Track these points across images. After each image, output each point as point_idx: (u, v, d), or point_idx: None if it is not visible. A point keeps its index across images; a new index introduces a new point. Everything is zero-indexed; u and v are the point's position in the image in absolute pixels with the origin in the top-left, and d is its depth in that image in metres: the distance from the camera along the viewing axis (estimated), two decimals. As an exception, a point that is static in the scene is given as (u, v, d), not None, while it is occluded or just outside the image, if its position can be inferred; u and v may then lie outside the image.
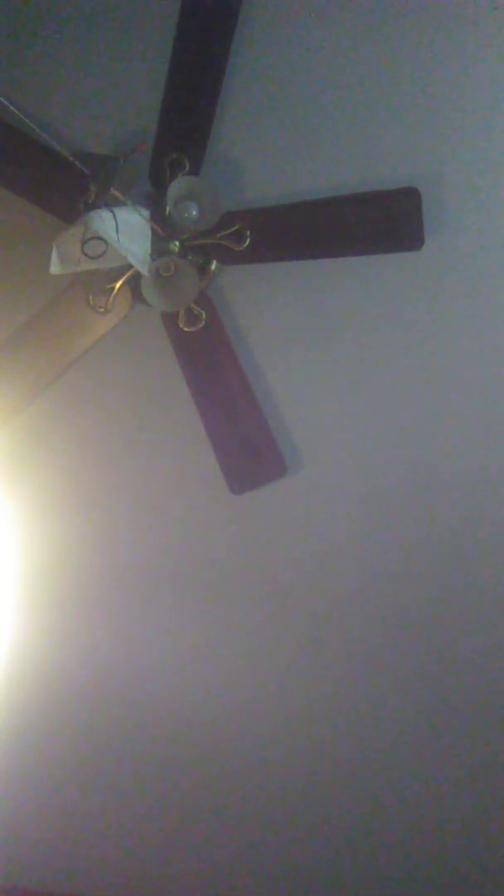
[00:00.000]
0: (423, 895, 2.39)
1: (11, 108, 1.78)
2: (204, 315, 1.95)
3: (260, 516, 2.25)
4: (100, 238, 1.71)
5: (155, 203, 1.84)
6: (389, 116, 1.99)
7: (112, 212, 1.71)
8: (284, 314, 2.14)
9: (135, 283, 1.90)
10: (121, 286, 1.92)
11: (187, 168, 1.83)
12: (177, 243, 1.88)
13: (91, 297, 1.93)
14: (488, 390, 2.16)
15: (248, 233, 1.89)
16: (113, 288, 1.92)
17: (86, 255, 1.72)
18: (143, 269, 1.79)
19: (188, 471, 2.23)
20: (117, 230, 1.70)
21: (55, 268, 1.73)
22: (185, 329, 1.96)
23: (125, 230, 1.72)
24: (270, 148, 2.01)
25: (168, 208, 1.80)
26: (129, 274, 1.91)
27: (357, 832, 2.37)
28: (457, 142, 2.00)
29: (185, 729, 2.37)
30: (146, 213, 1.80)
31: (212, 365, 2.02)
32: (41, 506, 2.29)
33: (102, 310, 1.94)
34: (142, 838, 2.43)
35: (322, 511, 2.25)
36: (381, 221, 1.90)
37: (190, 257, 1.91)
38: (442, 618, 2.28)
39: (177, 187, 1.79)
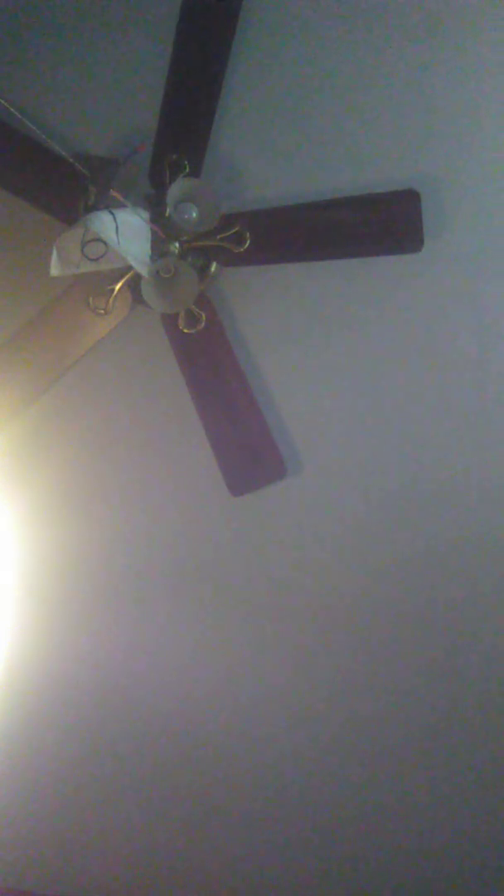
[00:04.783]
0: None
1: (11, 109, 1.78)
2: (204, 317, 1.95)
3: (260, 518, 2.25)
4: (100, 240, 1.72)
5: (155, 205, 1.84)
6: (389, 119, 1.99)
7: (112, 213, 1.71)
8: (284, 316, 2.14)
9: (135, 284, 1.91)
10: (121, 288, 1.92)
11: (187, 170, 1.84)
12: (177, 245, 1.88)
13: (91, 299, 1.93)
14: (488, 392, 2.16)
15: (248, 235, 1.89)
16: (113, 289, 1.92)
17: (86, 256, 1.72)
18: (143, 271, 1.79)
19: (188, 472, 2.23)
20: (117, 232, 1.71)
21: (55, 269, 1.74)
22: (185, 330, 1.96)
23: (125, 232, 1.73)
24: (270, 150, 2.01)
25: (168, 210, 1.80)
26: (129, 276, 1.91)
27: (360, 834, 2.37)
28: (456, 144, 2.00)
29: (185, 730, 2.37)
30: (146, 214, 1.81)
31: (211, 366, 2.02)
32: (41, 507, 2.29)
33: (102, 311, 1.94)
34: (142, 840, 2.43)
35: (322, 513, 2.25)
36: (381, 224, 1.90)
37: (190, 259, 1.91)
38: (443, 617, 2.28)
39: (177, 189, 1.79)
